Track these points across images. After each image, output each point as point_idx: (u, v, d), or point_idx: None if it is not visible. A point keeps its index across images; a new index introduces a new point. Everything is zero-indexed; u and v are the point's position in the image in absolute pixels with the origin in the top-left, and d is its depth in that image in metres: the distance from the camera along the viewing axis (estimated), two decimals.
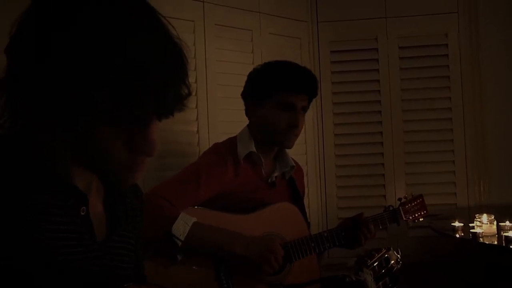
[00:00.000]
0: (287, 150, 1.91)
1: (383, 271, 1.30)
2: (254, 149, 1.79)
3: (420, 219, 2.07)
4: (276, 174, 1.86)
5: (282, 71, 1.79)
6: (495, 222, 2.10)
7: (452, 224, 2.22)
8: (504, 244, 1.94)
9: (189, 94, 0.75)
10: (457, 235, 2.17)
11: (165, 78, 0.70)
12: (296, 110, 1.77)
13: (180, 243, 1.50)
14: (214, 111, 2.42)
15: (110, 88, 0.67)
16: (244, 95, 1.87)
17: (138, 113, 0.70)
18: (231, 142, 1.83)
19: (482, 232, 2.06)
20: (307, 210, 2.12)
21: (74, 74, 0.67)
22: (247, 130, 1.84)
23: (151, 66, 0.69)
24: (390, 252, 1.34)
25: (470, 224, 2.19)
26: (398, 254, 1.35)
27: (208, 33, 2.42)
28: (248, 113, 1.86)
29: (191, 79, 2.50)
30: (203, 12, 2.41)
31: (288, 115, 1.76)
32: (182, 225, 1.51)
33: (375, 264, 1.29)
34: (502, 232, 2.02)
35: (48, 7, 0.71)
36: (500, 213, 2.17)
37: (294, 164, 1.91)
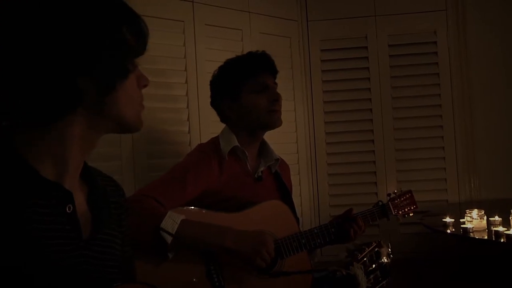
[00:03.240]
0: (272, 147, 1.93)
1: (374, 265, 1.31)
2: (237, 143, 1.81)
3: (410, 214, 2.08)
4: (262, 168, 1.88)
5: (240, 61, 1.89)
6: (485, 217, 2.12)
7: (443, 220, 2.24)
8: (494, 239, 1.95)
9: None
10: (448, 231, 2.19)
11: (137, 21, 0.86)
12: (270, 87, 1.85)
13: (169, 241, 1.50)
14: (205, 111, 2.41)
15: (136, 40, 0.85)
16: (214, 101, 1.92)
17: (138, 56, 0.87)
18: (214, 141, 1.86)
19: (473, 227, 2.08)
20: (299, 208, 2.13)
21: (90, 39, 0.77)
22: (228, 128, 1.88)
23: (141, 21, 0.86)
24: (381, 246, 1.35)
25: (461, 220, 2.21)
26: (389, 248, 1.36)
27: (198, 33, 2.43)
28: (225, 114, 1.89)
29: (182, 80, 2.50)
30: (193, 12, 2.42)
31: (266, 95, 1.83)
32: (171, 223, 1.51)
33: (365, 258, 1.30)
34: (492, 227, 2.04)
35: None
36: (490, 208, 2.19)
37: (278, 157, 1.93)
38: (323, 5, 2.95)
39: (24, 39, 0.73)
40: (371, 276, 1.29)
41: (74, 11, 0.76)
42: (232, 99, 1.84)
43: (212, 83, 1.92)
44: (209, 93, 2.41)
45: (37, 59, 0.74)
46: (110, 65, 0.80)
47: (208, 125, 2.41)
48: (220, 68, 1.91)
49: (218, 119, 2.37)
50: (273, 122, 1.85)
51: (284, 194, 1.93)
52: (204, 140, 2.04)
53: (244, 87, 1.83)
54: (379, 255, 1.33)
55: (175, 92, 2.35)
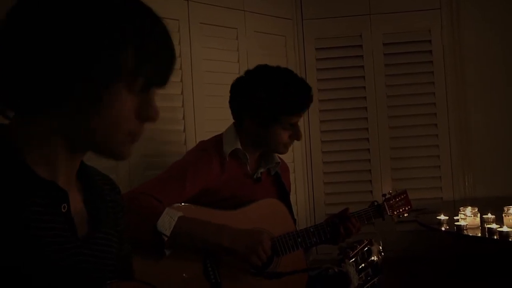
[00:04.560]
0: None
1: (365, 262, 1.32)
2: (239, 146, 1.80)
3: (405, 214, 2.09)
4: (261, 170, 1.88)
5: (288, 95, 1.74)
6: (478, 215, 2.13)
7: (438, 217, 2.25)
8: (487, 236, 1.97)
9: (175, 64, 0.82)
10: (443, 228, 2.20)
11: (169, 47, 0.79)
12: (297, 125, 1.82)
13: (166, 238, 1.50)
14: (201, 110, 2.42)
15: (134, 50, 0.74)
16: (239, 107, 1.82)
17: (151, 76, 0.77)
18: (217, 140, 1.84)
19: (466, 224, 2.09)
20: (294, 207, 2.14)
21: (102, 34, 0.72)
22: (233, 129, 1.85)
23: (161, 34, 0.78)
24: (372, 244, 1.36)
25: (455, 217, 2.22)
26: (380, 246, 1.37)
27: (193, 32, 2.43)
28: (243, 127, 1.81)
29: (177, 78, 2.50)
30: (188, 10, 2.42)
31: (290, 132, 1.80)
32: (168, 220, 1.51)
33: (357, 256, 1.30)
34: (485, 224, 2.05)
35: None
36: (484, 206, 2.21)
37: (279, 160, 1.93)
38: (318, 4, 2.95)
39: (17, 38, 0.73)
40: (363, 273, 1.30)
41: (68, 12, 0.73)
42: (259, 123, 1.77)
43: (246, 89, 1.79)
44: (204, 91, 2.43)
45: (25, 55, 0.72)
46: (98, 73, 0.73)
47: (203, 124, 2.41)
48: (261, 84, 1.76)
49: (214, 117, 2.39)
50: (281, 152, 1.86)
51: (283, 195, 1.94)
52: (200, 139, 2.04)
53: (282, 120, 1.76)
54: (370, 253, 1.34)
55: (170, 90, 2.35)
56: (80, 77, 0.72)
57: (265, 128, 1.78)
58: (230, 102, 1.85)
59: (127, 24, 0.74)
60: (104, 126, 0.76)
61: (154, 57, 0.76)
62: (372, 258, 1.33)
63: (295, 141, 1.87)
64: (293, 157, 2.83)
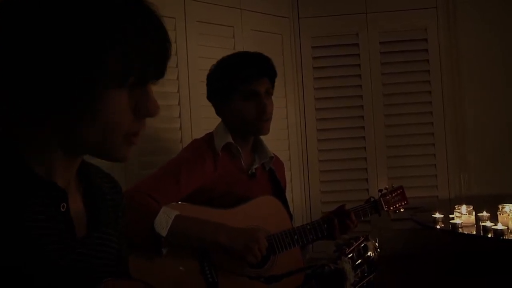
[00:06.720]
0: (266, 144, 1.94)
1: (361, 259, 1.32)
2: (231, 140, 1.81)
3: (401, 210, 2.10)
4: (255, 165, 1.88)
5: (235, 63, 1.83)
6: (473, 213, 2.14)
7: (433, 215, 2.26)
8: (482, 234, 1.98)
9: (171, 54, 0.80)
10: (438, 226, 2.21)
11: (161, 39, 0.76)
12: (260, 95, 1.81)
13: (163, 237, 1.51)
14: (197, 108, 2.42)
15: (121, 47, 0.71)
16: (209, 97, 1.91)
17: (143, 73, 0.75)
18: (209, 137, 1.86)
19: (462, 222, 2.11)
20: (291, 205, 2.14)
21: (87, 34, 0.70)
22: (222, 124, 1.87)
23: (150, 28, 0.75)
24: (368, 240, 1.37)
25: (451, 215, 2.23)
26: (376, 242, 1.37)
27: (190, 30, 2.43)
28: (218, 112, 1.89)
29: (173, 76, 2.50)
30: (184, 8, 2.42)
31: (254, 103, 1.80)
32: (165, 219, 1.51)
33: (353, 253, 1.31)
34: (480, 222, 2.07)
35: None
36: (480, 204, 2.22)
37: (272, 155, 1.93)
38: (315, 2, 2.95)
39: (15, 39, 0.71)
40: (359, 270, 1.30)
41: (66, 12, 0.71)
42: (222, 101, 1.84)
43: (208, 77, 1.91)
44: (200, 90, 2.42)
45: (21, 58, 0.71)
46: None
47: (199, 122, 2.41)
48: (216, 67, 1.88)
49: (210, 115, 2.37)
50: (258, 131, 1.85)
51: (278, 191, 1.94)
52: (195, 136, 2.04)
53: (234, 93, 1.80)
54: (366, 249, 1.34)
55: (166, 89, 2.35)
56: (70, 81, 0.71)
57: (228, 104, 1.81)
58: (206, 96, 1.92)
59: (116, 24, 0.72)
60: (100, 130, 0.74)
61: (143, 54, 0.74)
62: (369, 254, 1.33)
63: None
64: (289, 155, 2.84)
